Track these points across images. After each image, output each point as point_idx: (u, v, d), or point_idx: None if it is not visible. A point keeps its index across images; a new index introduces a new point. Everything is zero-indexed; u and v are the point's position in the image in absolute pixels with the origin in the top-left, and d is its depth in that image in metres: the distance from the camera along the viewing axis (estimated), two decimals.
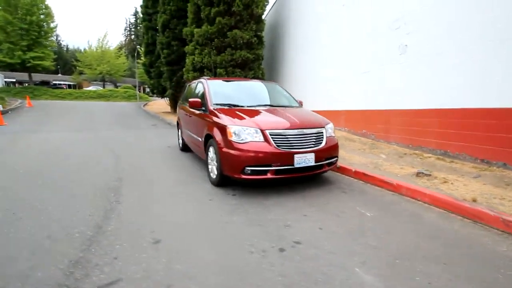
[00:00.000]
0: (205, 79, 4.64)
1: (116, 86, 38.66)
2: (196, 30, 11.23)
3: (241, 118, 3.43)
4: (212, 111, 3.81)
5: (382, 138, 6.14)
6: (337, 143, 3.69)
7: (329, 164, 3.59)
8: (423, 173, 3.92)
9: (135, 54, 29.20)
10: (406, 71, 5.37)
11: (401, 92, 5.49)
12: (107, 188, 3.52)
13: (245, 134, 3.19)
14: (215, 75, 11.20)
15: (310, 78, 9.09)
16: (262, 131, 3.18)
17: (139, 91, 30.36)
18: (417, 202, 3.09)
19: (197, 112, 4.26)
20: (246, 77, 11.11)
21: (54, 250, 2.08)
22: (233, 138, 3.21)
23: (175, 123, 12.20)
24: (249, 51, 11.14)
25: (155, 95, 18.48)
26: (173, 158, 5.42)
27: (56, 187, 3.57)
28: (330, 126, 3.73)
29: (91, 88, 33.20)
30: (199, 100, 4.06)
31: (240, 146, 3.13)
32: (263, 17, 11.41)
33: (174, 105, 16.82)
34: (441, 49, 4.70)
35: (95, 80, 37.49)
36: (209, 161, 3.84)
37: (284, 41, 11.70)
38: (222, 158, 3.30)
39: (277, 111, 3.87)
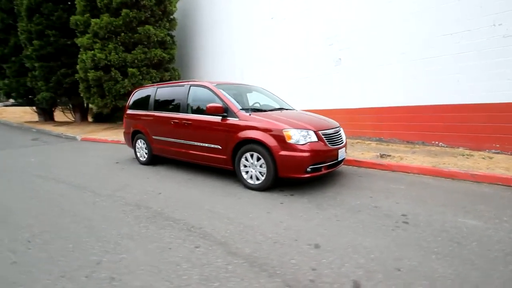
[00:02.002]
0: (208, 82, 4.30)
1: None
2: (94, 20, 9.34)
3: (284, 121, 3.59)
4: (245, 116, 3.72)
5: None
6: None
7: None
8: (385, 154, 5.33)
9: None
10: (343, 79, 6.87)
11: (341, 95, 6.96)
12: (150, 217, 2.84)
13: (300, 135, 3.42)
14: (126, 75, 9.75)
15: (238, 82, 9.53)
16: (316, 132, 3.51)
17: None
18: (410, 174, 4.31)
19: (214, 118, 3.96)
20: (162, 78, 10.25)
21: None
22: (292, 140, 3.37)
23: (69, 135, 9.69)
24: (163, 50, 10.35)
25: (11, 99, 13.49)
26: (153, 173, 4.64)
27: (79, 235, 2.53)
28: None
29: None
30: (220, 105, 3.81)
31: (303, 148, 3.35)
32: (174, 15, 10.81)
33: (48, 112, 12.95)
34: (371, 63, 6.38)
35: None
36: (241, 167, 3.75)
37: (196, 44, 11.48)
38: (280, 161, 3.38)
39: (298, 114, 4.23)
